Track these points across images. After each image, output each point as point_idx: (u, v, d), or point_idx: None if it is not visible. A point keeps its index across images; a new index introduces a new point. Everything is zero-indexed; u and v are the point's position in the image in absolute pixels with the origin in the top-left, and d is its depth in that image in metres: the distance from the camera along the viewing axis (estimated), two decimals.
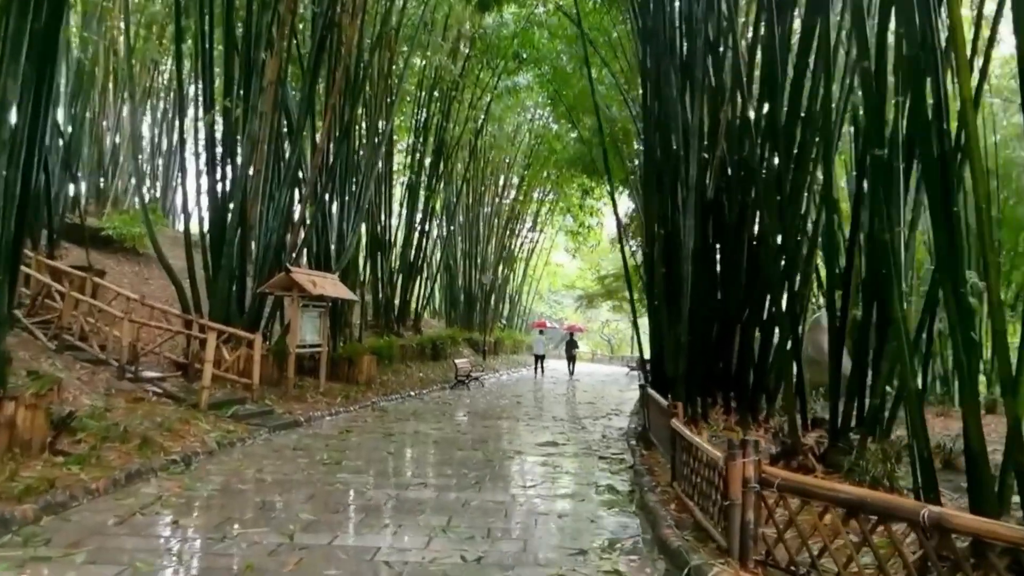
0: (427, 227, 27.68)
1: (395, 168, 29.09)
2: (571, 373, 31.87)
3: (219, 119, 15.13)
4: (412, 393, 19.00)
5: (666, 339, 10.60)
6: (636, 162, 24.08)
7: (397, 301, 26.45)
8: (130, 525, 5.97)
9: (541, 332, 35.24)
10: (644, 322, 16.76)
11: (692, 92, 10.60)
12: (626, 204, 31.09)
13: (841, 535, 4.30)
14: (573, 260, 47.46)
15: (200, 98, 15.30)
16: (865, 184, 7.24)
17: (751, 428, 9.78)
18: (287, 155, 16.40)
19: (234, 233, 14.80)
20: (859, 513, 4.15)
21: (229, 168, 15.25)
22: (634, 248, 28.06)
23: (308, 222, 17.34)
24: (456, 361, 22.61)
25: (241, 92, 15.13)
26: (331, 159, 17.92)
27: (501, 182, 36.28)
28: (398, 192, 29.51)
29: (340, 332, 19.45)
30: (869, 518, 4.14)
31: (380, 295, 25.45)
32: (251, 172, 15.09)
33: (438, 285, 33.80)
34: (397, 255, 27.17)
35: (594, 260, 44.21)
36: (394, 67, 22.46)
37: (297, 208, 17.18)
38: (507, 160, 35.36)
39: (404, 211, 27.20)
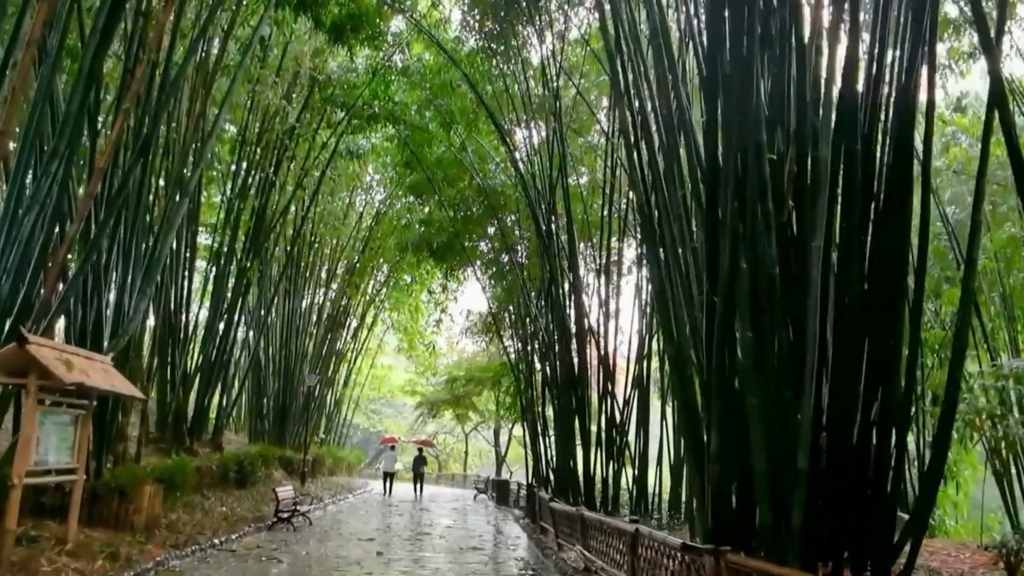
0: (235, 319, 21.54)
1: (200, 245, 23.15)
2: (418, 494, 28.25)
3: None
4: (217, 541, 12.72)
5: (756, 458, 5.96)
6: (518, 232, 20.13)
7: (191, 409, 19.97)
8: None
9: (392, 448, 31.70)
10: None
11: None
12: (478, 295, 26.93)
13: None
14: (406, 362, 41.94)
15: None
16: None
17: None
18: (47, 165, 10.44)
19: None
20: None
21: None
22: (506, 344, 23.80)
23: (72, 273, 11.24)
24: (278, 490, 16.40)
25: None
26: (115, 190, 12.08)
27: (326, 269, 30.80)
28: (200, 275, 23.43)
29: (109, 448, 12.96)
30: None
31: (169, 399, 18.90)
32: None
33: (244, 391, 27.09)
34: (195, 351, 20.82)
35: (431, 363, 38.96)
36: (212, 96, 17.09)
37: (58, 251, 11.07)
38: (337, 243, 30.12)
39: (207, 297, 21.12)
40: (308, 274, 29.20)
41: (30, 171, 10.73)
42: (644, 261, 7.94)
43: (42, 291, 10.68)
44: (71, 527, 9.55)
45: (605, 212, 17.37)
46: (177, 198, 14.01)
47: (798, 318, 5.97)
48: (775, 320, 6.08)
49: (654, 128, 8.49)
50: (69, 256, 11.28)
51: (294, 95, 21.52)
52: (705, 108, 7.37)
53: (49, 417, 8.98)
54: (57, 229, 11.29)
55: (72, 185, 11.70)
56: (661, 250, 8.10)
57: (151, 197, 13.89)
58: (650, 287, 7.97)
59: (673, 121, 8.04)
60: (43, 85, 10.68)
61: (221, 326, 20.63)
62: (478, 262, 24.61)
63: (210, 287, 21.17)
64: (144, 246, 13.27)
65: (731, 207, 6.39)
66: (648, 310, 16.72)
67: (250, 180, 21.04)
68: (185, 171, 14.53)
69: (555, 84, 17.65)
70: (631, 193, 18.14)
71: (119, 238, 12.51)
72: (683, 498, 16.56)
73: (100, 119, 12.86)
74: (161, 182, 15.33)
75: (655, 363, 16.91)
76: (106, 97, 13.54)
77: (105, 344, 11.76)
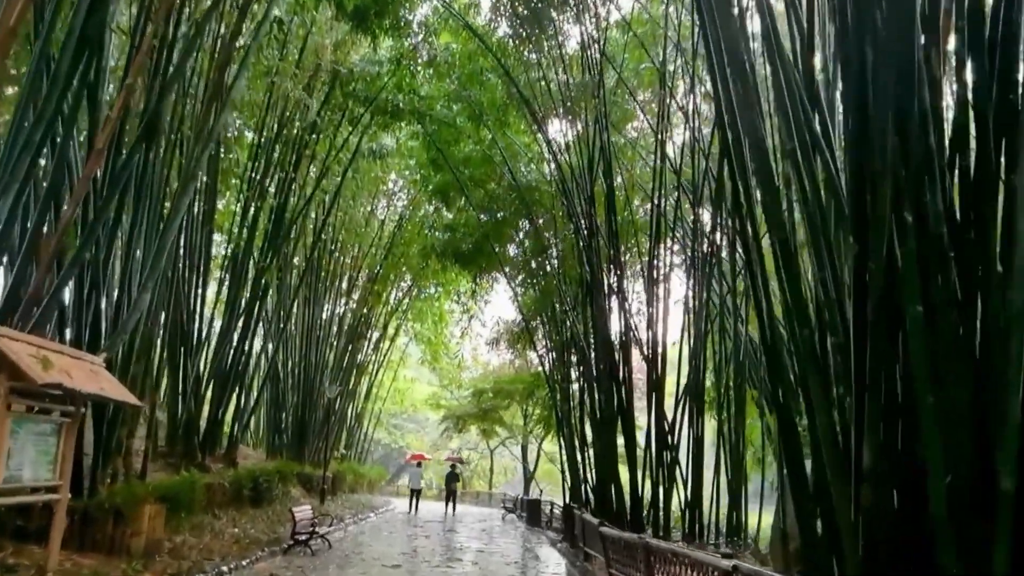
0: (252, 326, 20.23)
1: (216, 255, 22.06)
2: (450, 511, 28.35)
3: None
4: (225, 568, 11.30)
5: (932, 476, 4.35)
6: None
7: (204, 421, 18.68)
8: None
9: (418, 465, 31.50)
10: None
11: None
12: (506, 304, 25.56)
13: None
14: (429, 375, 40.47)
15: None
16: None
17: None
18: (34, 136, 9.19)
19: None
20: None
21: None
22: (540, 354, 22.38)
23: (69, 260, 9.98)
24: (294, 510, 15.01)
25: None
26: (118, 170, 10.84)
27: (347, 278, 29.59)
28: (216, 282, 22.28)
29: (108, 462, 11.65)
30: None
31: (180, 411, 17.64)
32: None
33: (262, 403, 25.80)
34: (208, 358, 19.56)
35: (455, 375, 37.50)
36: (225, 79, 15.86)
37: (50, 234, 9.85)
38: (358, 250, 28.91)
39: (222, 304, 19.85)
40: (328, 283, 28.02)
41: (19, 148, 9.51)
42: (767, 225, 6.30)
43: (32, 281, 9.46)
44: (52, 553, 8.19)
45: (653, 203, 15.91)
46: (185, 182, 12.76)
47: (991, 285, 4.49)
48: (954, 290, 4.59)
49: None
50: (62, 239, 10.02)
51: (314, 90, 20.33)
52: (850, 18, 5.79)
53: (25, 426, 7.63)
54: (52, 214, 10.10)
55: (72, 166, 10.52)
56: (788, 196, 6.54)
57: (157, 181, 12.60)
58: (772, 250, 6.31)
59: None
60: (37, 55, 9.55)
61: (236, 334, 19.38)
62: (507, 267, 23.20)
63: (225, 293, 19.94)
64: (149, 235, 12.00)
65: (891, 143, 4.92)
66: (703, 313, 15.22)
67: (268, 179, 19.87)
68: (194, 153, 13.26)
69: (597, 67, 16.30)
70: (681, 184, 16.77)
71: (120, 225, 11.28)
72: (744, 523, 15.00)
73: (103, 98, 11.60)
74: (168, 166, 14.14)
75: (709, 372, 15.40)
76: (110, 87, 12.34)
77: (102, 342, 10.48)
